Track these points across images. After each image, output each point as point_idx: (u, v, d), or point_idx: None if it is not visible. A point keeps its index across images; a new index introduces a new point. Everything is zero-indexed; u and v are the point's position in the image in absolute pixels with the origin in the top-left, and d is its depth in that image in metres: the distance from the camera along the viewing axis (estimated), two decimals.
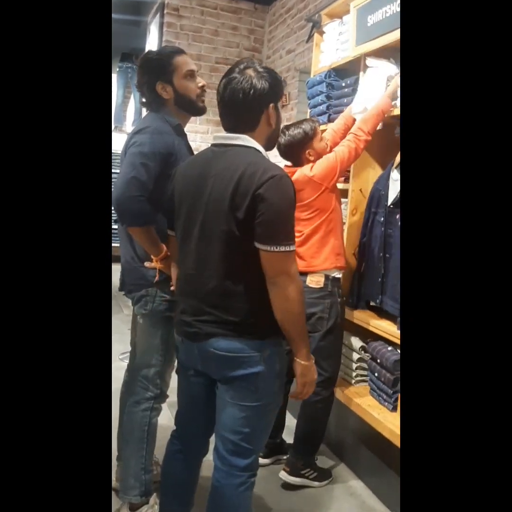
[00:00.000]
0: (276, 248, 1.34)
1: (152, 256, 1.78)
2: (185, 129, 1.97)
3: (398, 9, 2.16)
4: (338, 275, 2.24)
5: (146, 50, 4.92)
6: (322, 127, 2.78)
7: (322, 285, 2.18)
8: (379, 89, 2.29)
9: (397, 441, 1.99)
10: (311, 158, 2.22)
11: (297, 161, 2.25)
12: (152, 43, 4.79)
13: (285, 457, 2.38)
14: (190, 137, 4.62)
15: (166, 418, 2.85)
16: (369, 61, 2.39)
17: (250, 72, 1.42)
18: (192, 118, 5.34)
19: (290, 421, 2.82)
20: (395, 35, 2.18)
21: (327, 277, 2.19)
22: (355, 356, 2.42)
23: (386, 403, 2.20)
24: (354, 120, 2.39)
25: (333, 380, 2.27)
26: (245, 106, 1.42)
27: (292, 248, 1.37)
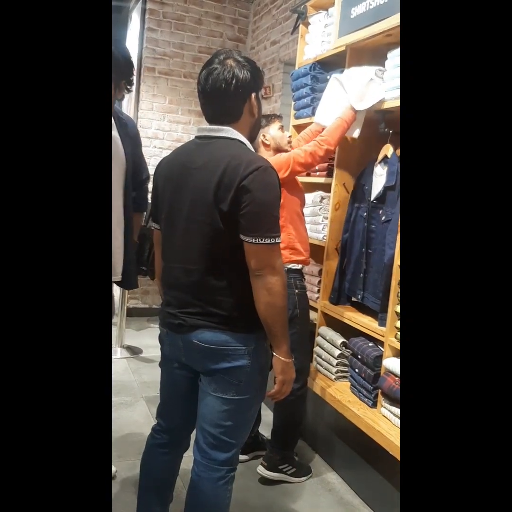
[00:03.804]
0: (261, 240, 1.33)
1: None
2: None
3: (381, 2, 2.13)
4: (296, 266, 2.23)
5: (128, 37, 4.82)
6: (306, 120, 2.76)
7: None
8: (342, 98, 2.29)
9: (376, 437, 1.99)
10: (267, 142, 2.25)
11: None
12: (134, 30, 4.69)
13: (263, 453, 2.36)
14: (172, 127, 4.57)
15: (143, 414, 2.83)
16: (347, 71, 2.38)
17: (230, 62, 1.41)
18: (174, 108, 5.23)
19: (269, 416, 2.81)
20: (378, 27, 2.15)
21: None
22: (336, 352, 2.42)
23: (366, 399, 2.20)
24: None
25: (302, 372, 2.23)
26: (228, 96, 1.41)
27: (277, 240, 1.35)
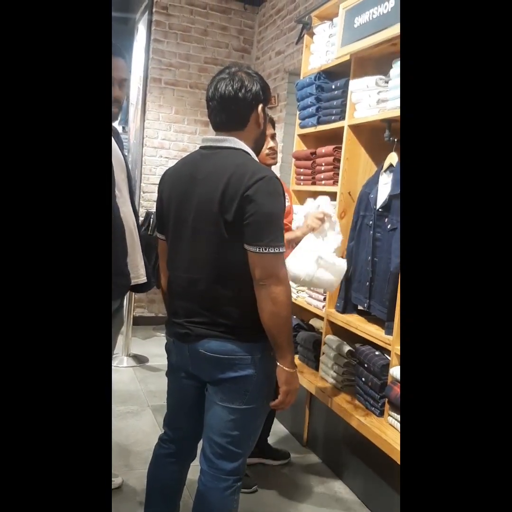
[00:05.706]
0: (265, 249, 1.33)
1: None
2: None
3: (385, 11, 2.15)
4: None
5: (134, 48, 4.87)
6: (311, 129, 2.78)
7: None
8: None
9: (383, 447, 1.98)
10: None
11: None
12: (140, 41, 4.74)
13: (267, 461, 2.36)
14: (178, 137, 4.59)
15: (150, 424, 2.83)
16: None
17: (241, 73, 1.45)
18: (180, 118, 5.25)
19: (276, 425, 2.80)
20: (381, 36, 2.16)
21: None
22: (342, 360, 2.41)
23: (373, 408, 2.18)
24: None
25: None
26: (237, 102, 1.43)
27: (281, 249, 1.36)
